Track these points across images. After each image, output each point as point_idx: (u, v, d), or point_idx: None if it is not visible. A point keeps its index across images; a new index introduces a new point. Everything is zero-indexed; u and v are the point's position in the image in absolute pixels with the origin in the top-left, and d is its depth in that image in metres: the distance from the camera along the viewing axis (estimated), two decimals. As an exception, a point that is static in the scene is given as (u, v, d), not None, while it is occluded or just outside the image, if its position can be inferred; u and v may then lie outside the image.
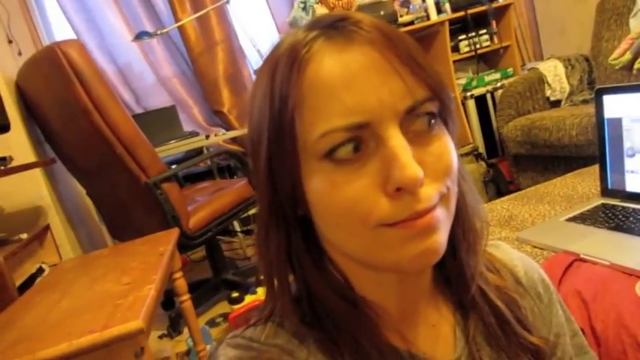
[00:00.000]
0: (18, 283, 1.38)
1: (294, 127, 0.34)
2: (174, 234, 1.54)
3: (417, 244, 0.34)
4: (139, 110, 3.02)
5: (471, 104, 2.67)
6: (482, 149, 2.67)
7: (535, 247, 1.03)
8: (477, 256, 0.45)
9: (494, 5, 2.67)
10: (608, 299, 0.80)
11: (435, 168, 0.35)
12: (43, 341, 0.88)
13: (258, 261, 0.42)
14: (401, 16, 2.55)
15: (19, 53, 2.07)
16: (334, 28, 0.35)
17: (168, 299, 2.19)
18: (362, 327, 0.40)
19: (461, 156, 2.20)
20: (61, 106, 1.69)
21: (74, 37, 2.76)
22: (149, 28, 2.87)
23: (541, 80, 2.43)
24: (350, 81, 0.33)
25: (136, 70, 3.03)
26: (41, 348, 0.85)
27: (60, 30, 2.89)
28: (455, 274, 0.45)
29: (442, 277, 0.46)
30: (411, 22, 2.53)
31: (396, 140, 0.33)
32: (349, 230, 0.35)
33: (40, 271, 1.53)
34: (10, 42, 2.03)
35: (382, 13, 2.47)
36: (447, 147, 0.36)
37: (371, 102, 0.33)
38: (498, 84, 2.69)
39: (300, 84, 0.34)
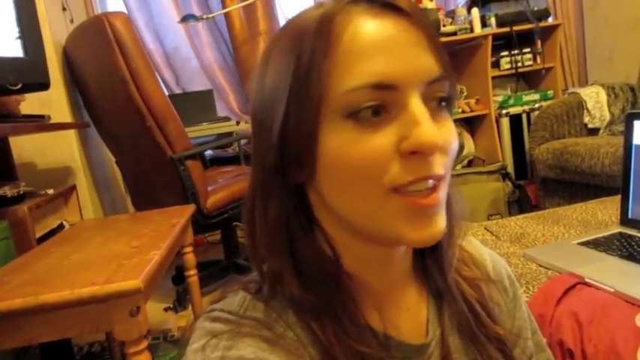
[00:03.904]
0: (39, 234, 1.44)
1: (322, 83, 0.35)
2: (189, 209, 1.59)
3: (421, 220, 0.36)
4: (178, 91, 3.11)
5: (505, 122, 2.62)
6: (510, 169, 2.61)
7: (540, 265, 1.01)
8: (454, 249, 0.47)
9: (542, 24, 2.61)
10: (604, 324, 0.78)
11: (443, 145, 0.36)
12: (48, 286, 0.93)
13: (250, 231, 0.42)
14: (444, 25, 2.53)
15: (71, 21, 2.16)
16: None
17: (179, 275, 2.24)
18: (344, 303, 0.40)
19: (487, 173, 2.13)
20: (101, 73, 1.76)
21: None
22: (197, 12, 2.95)
23: (580, 106, 2.36)
24: (384, 45, 0.35)
25: (180, 52, 3.12)
26: (45, 292, 0.89)
27: (113, 5, 3.01)
28: (433, 263, 0.47)
29: (420, 265, 0.47)
30: (454, 33, 2.50)
31: (419, 107, 0.35)
32: (361, 192, 0.36)
33: (61, 227, 1.60)
34: (64, 9, 2.12)
35: (426, 20, 2.46)
36: (452, 131, 0.38)
37: (400, 67, 0.35)
38: (536, 105, 2.63)
39: (333, 44, 0.35)
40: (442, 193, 0.37)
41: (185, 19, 2.63)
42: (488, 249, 0.54)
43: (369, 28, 0.35)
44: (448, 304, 0.46)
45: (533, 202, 2.48)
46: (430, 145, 0.34)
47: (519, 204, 2.48)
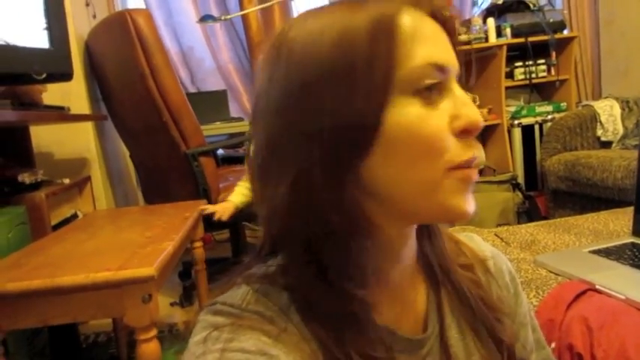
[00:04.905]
0: (53, 223, 1.47)
1: (388, 62, 0.36)
2: (201, 204, 1.61)
3: (467, 193, 0.39)
4: (192, 90, 3.14)
5: (517, 133, 2.62)
6: (521, 180, 2.61)
7: (551, 271, 1.01)
8: (443, 235, 0.49)
9: (558, 36, 2.61)
10: (615, 330, 0.78)
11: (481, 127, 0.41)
12: (63, 269, 0.94)
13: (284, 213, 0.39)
14: (459, 34, 2.54)
15: (94, 16, 2.20)
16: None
17: (186, 270, 2.26)
18: (360, 301, 0.39)
19: (498, 183, 2.11)
20: (121, 67, 1.80)
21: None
22: (215, 13, 2.98)
23: (594, 118, 2.36)
24: (435, 38, 0.38)
25: (196, 51, 3.15)
26: (61, 275, 0.91)
27: (134, 2, 3.06)
28: (432, 251, 0.47)
29: (419, 259, 0.47)
30: (468, 42, 2.52)
31: (461, 91, 0.39)
32: (425, 167, 0.37)
33: (74, 216, 1.62)
34: (87, 5, 2.17)
35: (441, 28, 2.47)
36: None
37: (448, 57, 0.38)
38: (549, 116, 2.63)
39: (395, 30, 0.37)
40: None
41: (203, 19, 2.66)
42: (490, 246, 0.54)
43: (423, 22, 0.38)
44: (447, 299, 0.46)
45: (543, 213, 2.47)
46: (478, 123, 0.38)
47: (529, 215, 2.47)
